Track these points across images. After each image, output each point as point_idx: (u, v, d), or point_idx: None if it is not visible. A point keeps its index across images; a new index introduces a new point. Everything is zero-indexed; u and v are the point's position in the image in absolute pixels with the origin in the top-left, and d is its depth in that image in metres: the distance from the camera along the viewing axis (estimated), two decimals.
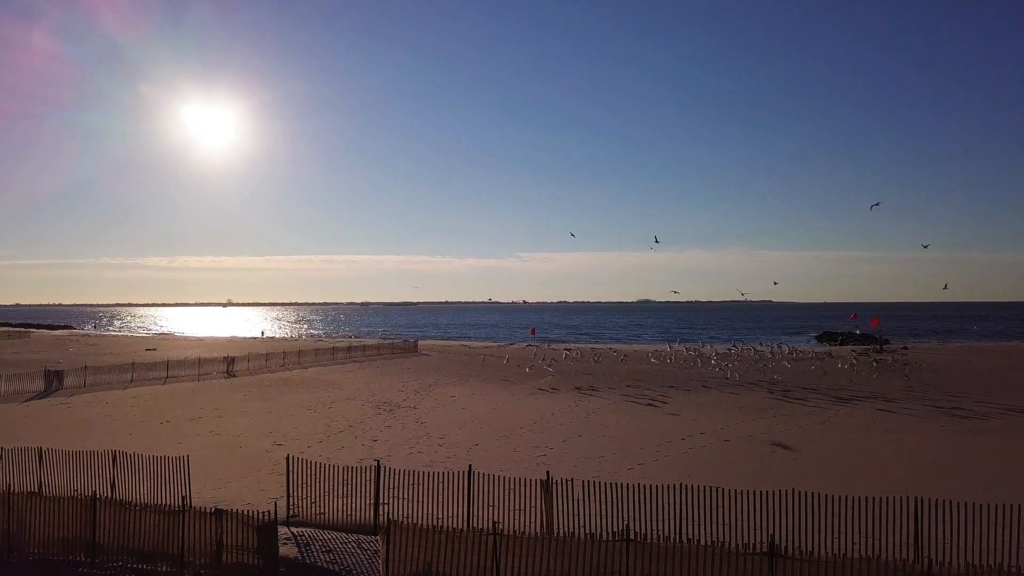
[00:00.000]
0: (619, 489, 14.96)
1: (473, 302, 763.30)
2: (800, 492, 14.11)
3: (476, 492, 16.01)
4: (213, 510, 13.71)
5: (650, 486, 14.96)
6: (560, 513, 15.19)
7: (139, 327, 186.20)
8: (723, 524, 14.04)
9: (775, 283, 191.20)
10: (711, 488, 14.57)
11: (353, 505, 16.63)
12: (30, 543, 14.16)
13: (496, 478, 16.08)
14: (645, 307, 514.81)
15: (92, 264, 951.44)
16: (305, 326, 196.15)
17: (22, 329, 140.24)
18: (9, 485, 16.42)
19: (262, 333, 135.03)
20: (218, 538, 13.45)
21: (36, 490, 16.83)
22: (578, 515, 14.95)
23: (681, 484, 14.79)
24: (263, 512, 13.59)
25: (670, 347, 74.72)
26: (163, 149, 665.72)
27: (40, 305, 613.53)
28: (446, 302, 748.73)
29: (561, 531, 14.41)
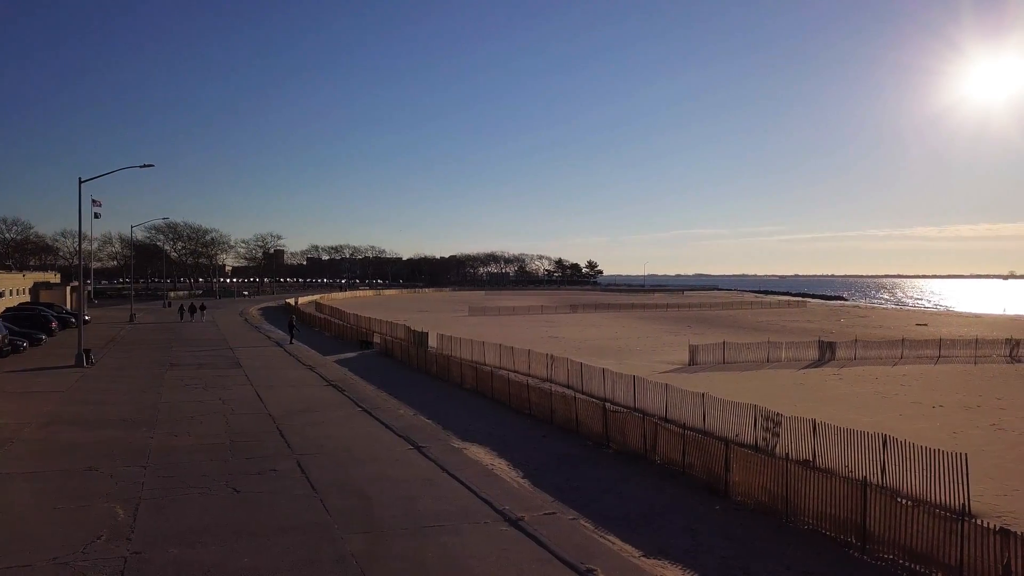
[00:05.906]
0: None
1: None
2: None
3: None
4: (997, 528, 11.65)
5: None
6: None
7: (907, 300, 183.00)
8: None
9: None
10: None
11: None
12: (804, 513, 14.70)
13: None
14: None
15: (858, 236, 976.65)
16: None
17: (799, 299, 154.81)
18: (787, 451, 17.58)
19: (1004, 309, 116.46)
20: (1004, 563, 11.36)
21: (810, 460, 17.58)
22: None
23: None
24: None
25: None
26: (928, 111, 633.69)
27: (814, 276, 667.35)
28: None
29: None
